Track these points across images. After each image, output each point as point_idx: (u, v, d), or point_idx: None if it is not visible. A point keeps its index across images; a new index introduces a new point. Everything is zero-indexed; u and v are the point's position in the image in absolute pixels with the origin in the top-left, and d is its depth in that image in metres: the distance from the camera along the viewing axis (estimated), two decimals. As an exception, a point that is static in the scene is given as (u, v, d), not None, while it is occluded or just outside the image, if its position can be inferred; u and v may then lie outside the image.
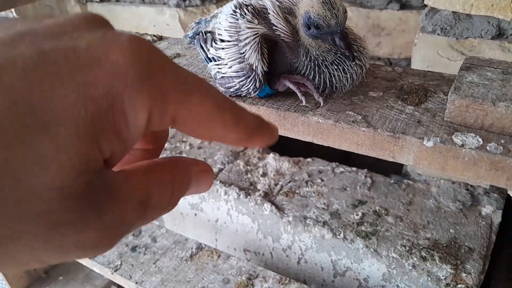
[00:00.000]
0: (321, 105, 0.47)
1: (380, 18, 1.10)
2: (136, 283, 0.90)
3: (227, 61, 0.47)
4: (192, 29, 0.58)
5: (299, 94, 0.47)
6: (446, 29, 0.82)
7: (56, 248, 0.16)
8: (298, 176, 1.10)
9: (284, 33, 0.46)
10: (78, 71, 0.15)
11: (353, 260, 0.91)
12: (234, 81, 0.47)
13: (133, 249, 0.98)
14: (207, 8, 1.12)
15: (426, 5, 0.83)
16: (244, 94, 0.49)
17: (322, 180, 1.07)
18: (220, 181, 1.10)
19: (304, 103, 0.48)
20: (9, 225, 0.14)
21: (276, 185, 1.08)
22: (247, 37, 0.45)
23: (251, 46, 0.45)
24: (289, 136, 0.50)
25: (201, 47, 0.53)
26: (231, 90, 0.49)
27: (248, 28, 0.45)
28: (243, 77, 0.46)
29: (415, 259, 0.84)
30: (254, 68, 0.45)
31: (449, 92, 0.41)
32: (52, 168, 0.14)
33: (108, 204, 0.16)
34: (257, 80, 0.46)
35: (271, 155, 1.18)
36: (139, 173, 0.19)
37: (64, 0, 1.37)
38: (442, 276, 0.81)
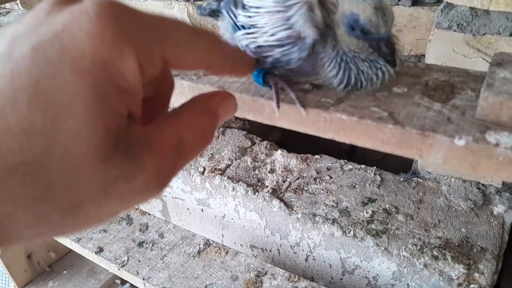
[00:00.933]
0: (304, 115, 0.45)
1: (391, 14, 1.08)
2: (143, 279, 0.89)
3: (268, 29, 0.45)
4: None
5: (275, 102, 0.46)
6: (462, 25, 0.80)
7: (117, 199, 0.18)
8: (306, 173, 1.09)
9: (317, 19, 0.44)
10: (65, 53, 0.17)
11: (362, 258, 0.90)
12: (275, 50, 0.45)
13: (140, 244, 0.97)
14: (216, 1, 1.10)
15: (439, 1, 0.81)
16: (282, 65, 0.47)
17: (331, 177, 1.06)
18: (228, 177, 1.08)
19: (276, 114, 0.47)
20: (71, 192, 0.17)
21: (284, 181, 1.07)
22: (297, 2, 0.43)
23: (302, 11, 0.43)
24: (309, 133, 0.49)
25: (230, 12, 0.50)
26: (269, 60, 0.47)
27: None
28: (288, 46, 0.44)
29: (427, 258, 0.83)
30: (303, 36, 0.43)
31: (482, 89, 0.39)
32: (81, 140, 0.17)
33: (145, 153, 0.19)
34: (306, 49, 0.44)
35: (279, 151, 1.17)
36: (168, 121, 0.21)
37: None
38: (455, 276, 0.80)
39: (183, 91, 0.54)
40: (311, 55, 0.45)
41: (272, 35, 0.44)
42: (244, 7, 0.48)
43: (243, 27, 0.48)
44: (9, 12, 0.93)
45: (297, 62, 0.46)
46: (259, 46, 0.47)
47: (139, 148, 0.19)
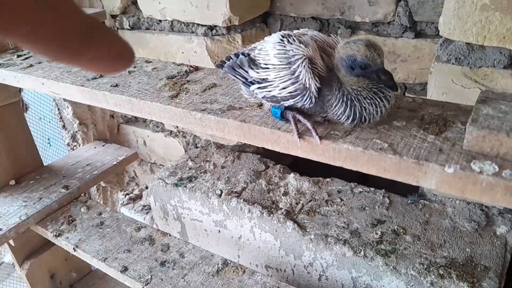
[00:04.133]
0: (318, 143, 0.53)
1: (395, 46, 1.16)
2: (166, 296, 0.95)
3: (278, 83, 0.53)
4: (229, 60, 0.64)
5: (295, 134, 0.54)
6: (460, 58, 0.87)
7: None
8: (318, 195, 1.15)
9: (320, 68, 0.52)
10: None
11: (373, 277, 0.95)
12: (289, 100, 0.54)
13: (162, 264, 1.03)
14: (232, 37, 1.19)
15: (440, 34, 0.88)
16: (296, 107, 0.55)
17: (342, 200, 1.12)
18: (244, 200, 1.15)
19: (298, 144, 0.54)
20: None
21: (297, 204, 1.13)
22: (298, 59, 0.52)
23: (303, 66, 0.51)
24: (320, 161, 0.56)
25: (239, 70, 0.59)
26: (285, 104, 0.55)
27: (298, 50, 0.52)
28: (298, 96, 0.53)
29: (433, 276, 0.88)
30: (308, 86, 0.52)
31: (467, 124, 0.46)
32: None
33: None
34: (312, 97, 0.52)
35: (292, 175, 1.23)
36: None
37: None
38: (460, 293, 0.85)
39: (209, 124, 0.61)
40: (319, 98, 0.53)
41: (284, 88, 0.53)
42: (254, 64, 0.57)
43: (257, 82, 0.56)
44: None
45: (309, 106, 0.53)
46: (274, 96, 0.55)
47: None
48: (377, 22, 1.17)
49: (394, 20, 1.14)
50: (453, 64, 0.88)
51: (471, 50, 0.86)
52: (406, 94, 1.21)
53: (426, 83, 1.13)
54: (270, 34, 0.57)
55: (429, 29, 1.12)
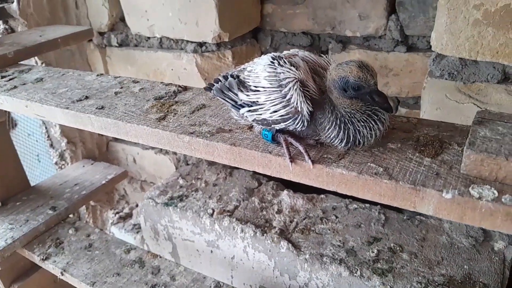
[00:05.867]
0: (311, 168, 0.51)
1: (387, 60, 1.15)
2: (157, 322, 0.91)
3: (269, 106, 0.51)
4: (218, 82, 0.63)
5: (287, 158, 0.52)
6: (453, 73, 0.86)
7: None
8: (313, 213, 1.13)
9: (312, 90, 0.51)
10: None
11: (370, 298, 0.92)
12: (280, 123, 0.52)
13: (153, 287, 1.00)
14: (222, 53, 1.17)
15: (432, 47, 0.88)
16: (288, 131, 0.53)
17: (337, 217, 1.10)
18: (236, 219, 1.12)
19: (290, 168, 0.52)
20: None
21: (291, 222, 1.11)
22: (289, 82, 0.50)
23: (294, 89, 0.49)
24: (314, 185, 0.54)
25: (228, 93, 0.57)
26: (277, 127, 0.53)
27: (289, 73, 0.50)
28: (290, 120, 0.51)
29: (432, 296, 0.86)
30: (299, 110, 0.50)
31: (465, 147, 0.44)
32: None
33: None
34: (304, 120, 0.50)
35: (285, 191, 1.21)
36: None
37: (84, 45, 1.44)
38: (459, 314, 0.83)
39: (198, 148, 0.59)
40: (312, 121, 0.51)
41: (275, 111, 0.51)
42: (244, 87, 0.55)
43: (246, 105, 0.54)
44: (30, 69, 1.00)
45: (301, 129, 0.51)
46: (265, 119, 0.53)
47: None
48: (368, 36, 1.16)
49: (385, 34, 1.13)
50: (446, 79, 0.87)
51: (464, 65, 0.85)
52: (399, 108, 1.20)
53: (419, 97, 1.12)
54: (261, 50, 0.56)
55: (421, 43, 1.12)
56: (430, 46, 0.88)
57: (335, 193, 1.19)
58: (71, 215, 1.29)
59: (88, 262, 1.09)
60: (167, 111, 0.67)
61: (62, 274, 1.08)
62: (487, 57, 0.80)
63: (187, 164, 1.45)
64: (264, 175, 1.31)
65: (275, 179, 1.29)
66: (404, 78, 1.16)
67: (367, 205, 1.13)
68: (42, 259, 1.12)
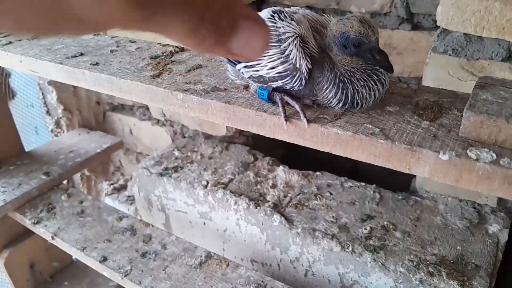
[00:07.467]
0: (306, 127, 0.49)
1: (391, 38, 1.13)
2: (146, 288, 0.91)
3: (267, 62, 0.49)
4: None
5: (282, 117, 0.50)
6: (457, 50, 0.84)
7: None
8: (307, 189, 1.12)
9: (312, 47, 0.49)
10: None
11: (360, 274, 0.92)
12: (278, 81, 0.50)
13: (143, 255, 0.99)
14: (223, 23, 1.15)
15: (437, 26, 0.85)
16: (285, 89, 0.51)
17: (331, 194, 1.09)
18: (230, 191, 1.11)
19: (285, 127, 0.51)
20: None
21: (285, 197, 1.10)
22: (289, 36, 0.48)
23: (294, 44, 0.48)
24: (307, 146, 0.52)
25: None
26: (273, 85, 0.51)
27: (290, 28, 0.48)
28: (288, 77, 0.49)
29: (422, 274, 0.85)
30: (298, 66, 0.48)
31: (465, 109, 0.43)
32: None
33: None
34: (303, 78, 0.48)
35: (281, 167, 1.20)
36: None
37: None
38: (449, 292, 0.82)
39: (192, 106, 0.58)
40: (309, 80, 0.49)
41: (272, 68, 0.49)
42: None
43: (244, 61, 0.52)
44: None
45: (298, 88, 0.50)
46: (261, 76, 0.51)
47: None
48: (374, 13, 1.14)
49: (390, 11, 1.11)
50: (450, 55, 0.85)
51: (469, 42, 0.83)
52: (400, 88, 1.18)
53: (422, 78, 1.10)
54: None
55: (426, 21, 1.09)
56: (436, 25, 0.86)
57: (331, 171, 1.18)
58: (64, 182, 1.28)
59: (80, 227, 1.09)
60: (162, 69, 0.65)
61: (53, 239, 1.08)
62: (493, 34, 0.78)
63: (184, 137, 1.43)
64: (260, 151, 1.30)
65: (272, 155, 1.28)
66: (408, 57, 1.14)
67: (363, 183, 1.12)
68: (34, 223, 1.12)
